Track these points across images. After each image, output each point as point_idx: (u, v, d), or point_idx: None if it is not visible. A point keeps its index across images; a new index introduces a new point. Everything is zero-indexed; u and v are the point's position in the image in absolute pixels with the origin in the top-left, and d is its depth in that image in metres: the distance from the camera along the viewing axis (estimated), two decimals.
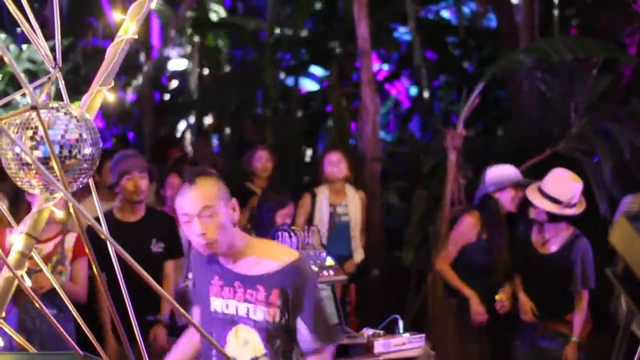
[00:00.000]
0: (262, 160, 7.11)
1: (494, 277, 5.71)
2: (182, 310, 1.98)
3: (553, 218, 5.44)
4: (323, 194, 6.77)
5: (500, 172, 5.83)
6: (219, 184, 3.10)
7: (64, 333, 2.03)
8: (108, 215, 5.41)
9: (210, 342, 2.83)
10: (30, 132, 1.96)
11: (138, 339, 2.12)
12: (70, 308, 2.17)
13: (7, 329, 2.08)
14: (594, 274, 5.44)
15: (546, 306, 5.61)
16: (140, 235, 5.39)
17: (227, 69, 12.50)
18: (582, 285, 5.44)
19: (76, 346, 2.03)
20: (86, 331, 2.11)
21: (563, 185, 5.41)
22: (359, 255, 6.82)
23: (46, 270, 2.33)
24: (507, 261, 5.73)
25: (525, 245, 5.66)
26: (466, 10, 12.81)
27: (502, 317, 5.74)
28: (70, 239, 5.12)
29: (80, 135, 1.99)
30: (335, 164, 6.76)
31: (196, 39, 12.49)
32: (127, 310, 2.12)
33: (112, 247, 2.03)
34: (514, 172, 5.85)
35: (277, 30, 11.63)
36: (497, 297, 5.69)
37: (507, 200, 5.75)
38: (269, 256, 3.10)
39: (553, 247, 5.56)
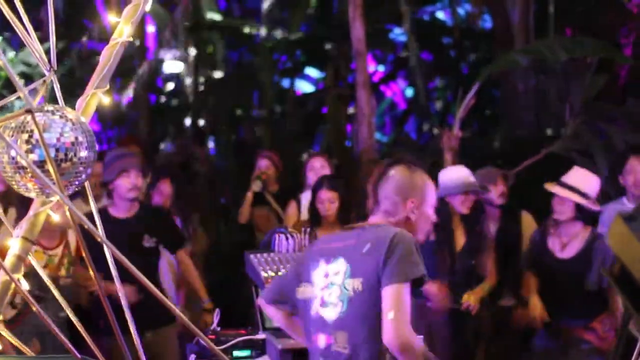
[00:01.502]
0: (262, 168, 7.00)
1: (451, 277, 5.68)
2: (179, 312, 1.98)
3: (579, 215, 5.29)
4: (306, 200, 6.47)
5: (449, 178, 5.78)
6: None
7: (62, 337, 2.02)
8: (101, 211, 5.46)
9: (208, 344, 2.82)
10: (25, 136, 1.95)
11: (136, 342, 2.12)
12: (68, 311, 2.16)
13: (6, 334, 2.08)
14: None
15: (569, 312, 5.38)
16: (133, 231, 5.47)
17: (223, 71, 12.49)
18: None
19: (74, 350, 2.02)
20: (83, 333, 2.10)
21: (589, 181, 5.32)
22: None
23: (43, 275, 2.32)
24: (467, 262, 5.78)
25: (540, 251, 5.51)
26: (461, 11, 12.83)
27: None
28: (72, 239, 5.13)
29: (76, 138, 1.99)
30: (318, 170, 6.54)
31: (191, 41, 12.49)
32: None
33: (109, 250, 2.03)
34: (463, 177, 5.78)
35: (273, 32, 11.65)
36: (463, 298, 5.65)
37: (457, 204, 5.74)
38: None
39: (572, 251, 5.38)
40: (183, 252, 5.78)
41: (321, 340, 3.17)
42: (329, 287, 3.15)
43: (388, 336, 2.94)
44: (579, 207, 5.29)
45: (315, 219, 5.83)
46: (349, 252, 3.14)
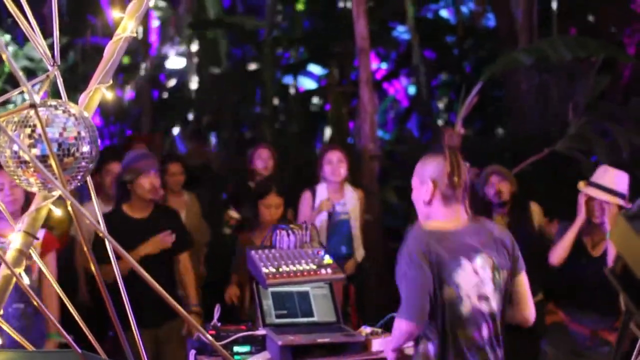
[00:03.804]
0: (262, 158, 7.03)
1: None
2: (181, 309, 1.98)
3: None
4: (321, 193, 6.65)
5: None
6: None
7: (63, 331, 2.02)
8: (117, 211, 5.70)
9: (209, 340, 2.83)
10: (28, 130, 1.95)
11: (137, 341, 2.12)
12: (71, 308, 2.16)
13: (6, 327, 2.08)
14: None
15: (596, 311, 5.28)
16: (150, 231, 5.57)
17: (226, 67, 12.50)
18: None
19: (75, 345, 2.02)
20: (84, 329, 2.10)
21: (623, 180, 5.25)
22: (360, 254, 6.71)
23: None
24: None
25: (572, 249, 5.39)
26: (465, 9, 12.81)
27: None
28: (39, 234, 5.04)
29: (79, 133, 1.99)
30: (336, 165, 6.59)
31: (195, 37, 12.49)
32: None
33: (110, 245, 2.03)
34: None
35: (276, 29, 11.64)
36: None
37: None
38: None
39: (602, 249, 5.34)
40: (186, 254, 5.81)
41: (484, 331, 3.48)
42: (484, 282, 3.47)
43: (532, 313, 3.60)
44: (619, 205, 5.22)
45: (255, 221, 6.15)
46: (486, 248, 3.50)
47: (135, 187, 5.57)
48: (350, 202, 6.68)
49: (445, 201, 3.52)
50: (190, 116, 12.67)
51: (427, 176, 3.54)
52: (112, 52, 2.23)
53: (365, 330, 4.17)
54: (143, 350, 2.07)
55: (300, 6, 11.65)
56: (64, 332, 2.02)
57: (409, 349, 3.64)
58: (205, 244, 7.13)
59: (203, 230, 7.07)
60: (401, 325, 3.43)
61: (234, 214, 6.91)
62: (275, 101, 11.67)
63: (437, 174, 3.53)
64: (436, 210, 3.55)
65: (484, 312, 3.46)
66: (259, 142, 8.47)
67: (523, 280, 3.58)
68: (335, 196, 6.67)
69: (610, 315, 5.30)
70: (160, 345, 5.55)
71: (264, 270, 3.99)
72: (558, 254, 5.47)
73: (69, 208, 1.94)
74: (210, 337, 2.09)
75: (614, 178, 5.30)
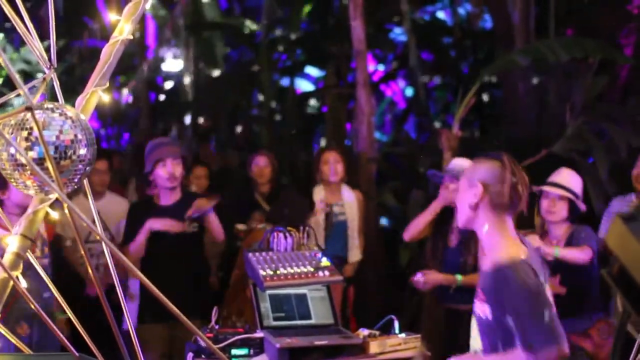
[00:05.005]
0: (259, 166, 6.81)
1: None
2: (177, 310, 1.97)
3: (573, 213, 5.26)
4: (318, 194, 6.67)
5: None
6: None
7: (59, 333, 2.02)
8: (149, 200, 5.77)
9: (206, 342, 2.82)
10: (25, 133, 1.95)
11: (134, 340, 2.12)
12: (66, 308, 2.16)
13: (4, 331, 2.08)
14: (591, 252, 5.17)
15: (565, 315, 5.23)
16: (175, 218, 5.58)
17: (223, 69, 12.50)
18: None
19: (72, 347, 2.02)
20: (81, 330, 2.10)
21: (577, 181, 5.34)
22: (354, 255, 6.71)
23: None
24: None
25: None
26: (462, 11, 12.82)
27: None
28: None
29: (75, 136, 1.99)
30: (332, 165, 6.62)
31: (191, 39, 12.49)
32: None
33: (107, 247, 2.02)
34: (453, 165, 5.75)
35: (273, 31, 11.65)
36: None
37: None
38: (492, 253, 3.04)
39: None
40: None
41: None
42: None
43: None
44: (570, 207, 5.29)
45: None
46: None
47: (155, 177, 5.60)
48: (348, 202, 6.70)
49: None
50: (188, 119, 12.66)
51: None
52: (109, 54, 2.23)
53: (363, 332, 4.17)
54: (139, 347, 2.07)
55: (306, 9, 11.66)
56: (61, 335, 2.02)
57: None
58: (219, 254, 6.86)
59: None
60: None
61: (241, 226, 6.75)
62: (273, 103, 11.66)
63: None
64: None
65: None
66: (257, 148, 8.46)
67: None
68: (333, 197, 6.67)
69: (579, 318, 5.22)
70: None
71: (262, 272, 3.99)
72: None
73: (66, 210, 1.94)
74: (207, 340, 2.08)
75: (568, 177, 5.37)
